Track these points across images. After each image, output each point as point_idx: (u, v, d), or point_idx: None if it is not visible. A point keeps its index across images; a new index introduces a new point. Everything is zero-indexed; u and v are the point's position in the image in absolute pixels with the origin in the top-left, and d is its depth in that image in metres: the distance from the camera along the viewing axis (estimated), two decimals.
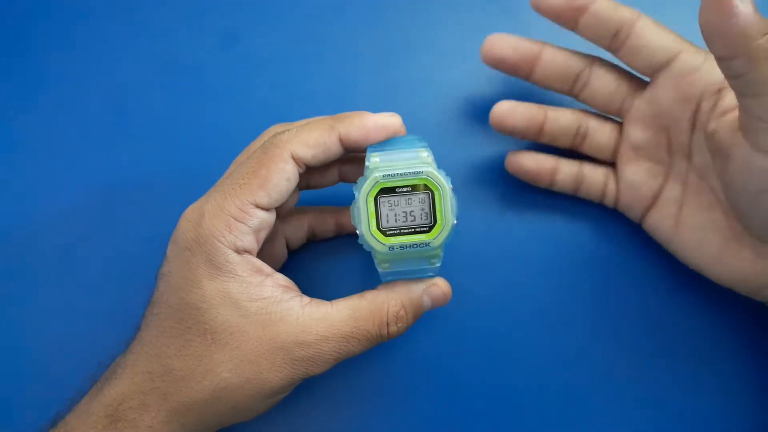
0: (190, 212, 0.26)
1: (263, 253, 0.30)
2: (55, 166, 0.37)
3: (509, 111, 0.32)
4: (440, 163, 0.26)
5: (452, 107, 0.37)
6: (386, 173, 0.25)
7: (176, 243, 0.26)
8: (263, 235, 0.26)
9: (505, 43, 0.32)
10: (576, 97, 0.33)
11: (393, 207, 0.25)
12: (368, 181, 0.25)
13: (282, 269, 0.28)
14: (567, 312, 0.34)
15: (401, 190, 0.25)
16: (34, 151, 0.37)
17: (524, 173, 0.33)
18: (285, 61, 0.38)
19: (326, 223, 0.33)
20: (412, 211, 0.25)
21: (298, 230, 0.32)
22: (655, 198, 0.32)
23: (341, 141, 0.26)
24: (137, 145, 0.37)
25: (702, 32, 0.23)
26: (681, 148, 0.30)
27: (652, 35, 0.29)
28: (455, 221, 0.25)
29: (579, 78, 0.32)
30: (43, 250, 0.35)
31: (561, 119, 0.32)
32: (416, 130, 0.32)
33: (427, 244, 0.25)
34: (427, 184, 0.25)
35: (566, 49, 0.32)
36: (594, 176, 0.33)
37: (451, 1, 0.39)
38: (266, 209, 0.26)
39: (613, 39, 0.30)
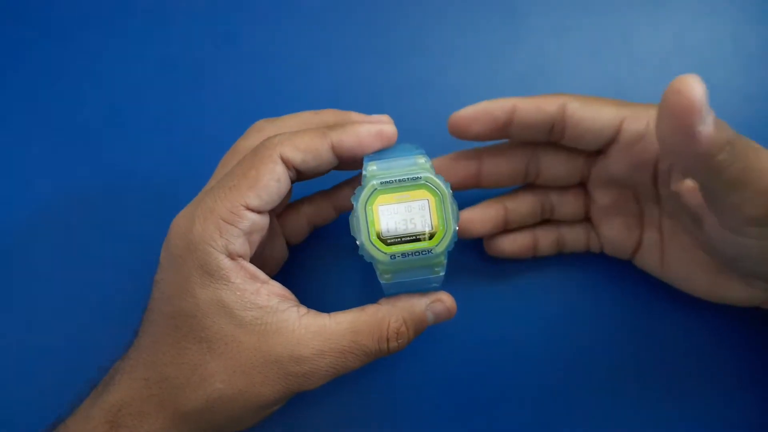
0: (181, 218, 0.26)
1: (263, 257, 0.29)
2: (53, 167, 0.37)
3: (469, 222, 0.31)
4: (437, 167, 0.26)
5: (450, 109, 0.36)
6: (384, 180, 0.25)
7: (168, 250, 0.25)
8: (256, 238, 0.26)
9: (442, 170, 0.31)
10: (532, 183, 0.32)
11: (392, 215, 0.25)
12: (366, 190, 0.25)
13: (280, 276, 0.28)
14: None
15: (400, 197, 0.25)
16: (33, 152, 0.37)
17: (505, 255, 0.33)
18: (284, 62, 0.38)
19: (324, 210, 0.32)
20: (413, 218, 0.25)
21: (297, 225, 0.31)
22: (637, 246, 0.31)
23: (334, 148, 0.26)
24: (137, 146, 0.37)
25: (660, 145, 0.22)
26: (648, 197, 0.30)
27: (588, 118, 0.27)
28: (456, 227, 0.25)
29: (528, 171, 0.31)
30: (42, 251, 0.35)
31: (521, 207, 0.32)
32: (414, 132, 0.32)
33: (429, 251, 0.24)
34: (427, 190, 0.25)
35: (506, 146, 0.31)
36: (574, 237, 0.33)
37: (449, 2, 0.39)
38: (257, 211, 0.25)
39: (550, 134, 0.29)
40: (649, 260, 0.31)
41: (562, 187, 0.32)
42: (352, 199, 0.25)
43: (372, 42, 0.38)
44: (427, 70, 0.37)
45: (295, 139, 0.26)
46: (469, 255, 0.34)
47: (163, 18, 0.39)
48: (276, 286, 0.26)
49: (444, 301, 0.27)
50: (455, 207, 0.25)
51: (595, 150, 0.29)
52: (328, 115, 0.29)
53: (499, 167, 0.31)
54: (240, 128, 0.29)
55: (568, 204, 0.32)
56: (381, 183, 0.24)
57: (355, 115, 0.29)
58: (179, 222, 0.25)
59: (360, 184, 0.31)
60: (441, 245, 0.24)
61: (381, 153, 0.27)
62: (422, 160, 0.25)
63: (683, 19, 0.38)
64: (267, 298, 0.25)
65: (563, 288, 0.34)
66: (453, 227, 0.24)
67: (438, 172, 0.29)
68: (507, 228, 0.32)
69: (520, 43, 0.38)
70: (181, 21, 0.39)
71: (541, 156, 0.31)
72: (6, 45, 0.39)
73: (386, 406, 0.33)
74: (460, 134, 0.29)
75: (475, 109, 0.29)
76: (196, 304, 0.24)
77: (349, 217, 0.25)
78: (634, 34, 0.38)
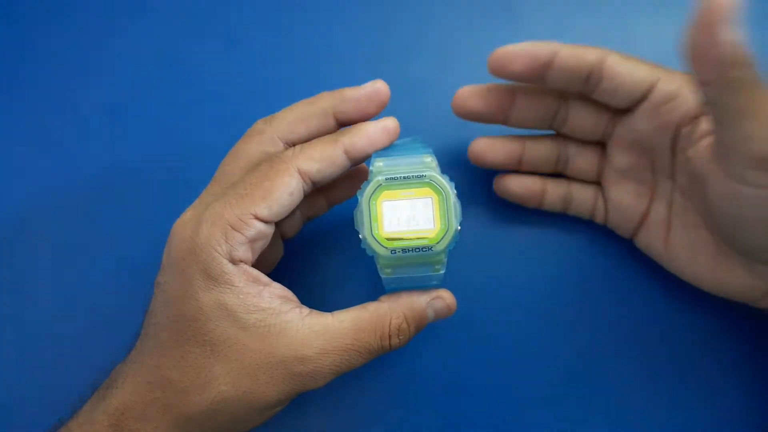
0: (186, 221, 0.25)
1: (260, 257, 0.29)
2: (54, 167, 0.36)
3: (487, 147, 0.32)
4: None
5: (450, 109, 0.36)
6: (389, 176, 0.25)
7: (170, 252, 0.25)
8: (260, 246, 0.26)
9: (474, 98, 0.31)
10: (556, 131, 0.32)
11: (396, 211, 0.25)
12: (371, 185, 0.25)
13: (280, 277, 0.28)
14: (564, 321, 0.34)
15: (404, 194, 0.25)
16: (34, 152, 0.37)
17: (512, 197, 0.33)
18: (284, 61, 0.38)
19: (317, 204, 0.32)
20: (415, 215, 0.25)
21: (291, 220, 0.31)
22: (643, 218, 0.31)
23: (347, 153, 0.26)
24: (137, 146, 0.36)
25: (686, 53, 0.22)
26: (664, 169, 0.30)
27: (625, 72, 0.28)
28: (459, 227, 0.25)
29: (556, 117, 0.31)
30: (43, 251, 0.35)
31: (540, 150, 0.32)
32: (413, 132, 0.31)
33: (430, 249, 0.25)
34: (431, 189, 0.25)
35: (540, 89, 0.31)
36: (583, 195, 0.33)
37: (450, 2, 0.38)
38: (266, 221, 0.25)
39: (585, 84, 0.29)
40: (653, 237, 0.31)
41: (583, 142, 0.32)
42: (357, 193, 0.25)
43: (372, 42, 0.38)
44: (427, 70, 0.37)
45: (310, 150, 0.26)
46: (462, 247, 0.34)
47: (163, 16, 0.39)
48: (278, 288, 0.26)
49: (444, 298, 0.28)
50: (458, 207, 0.25)
51: (625, 107, 0.29)
52: (324, 99, 0.28)
53: (530, 106, 0.31)
54: (238, 128, 0.29)
55: (584, 159, 0.32)
56: (386, 179, 0.25)
57: (348, 91, 0.28)
58: (183, 225, 0.25)
59: (355, 177, 0.32)
60: (441, 243, 0.25)
61: (388, 150, 0.27)
62: (429, 159, 0.26)
63: (683, 19, 0.38)
64: (269, 301, 0.25)
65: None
66: (455, 226, 0.25)
67: (471, 100, 0.30)
68: (520, 168, 0.32)
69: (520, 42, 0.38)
70: (181, 20, 0.39)
71: (571, 104, 0.31)
72: (8, 43, 0.38)
73: (384, 406, 0.33)
74: (500, 70, 0.29)
75: (518, 47, 0.28)
76: (199, 307, 0.24)
77: (354, 211, 0.25)
78: (634, 34, 0.38)
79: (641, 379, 0.33)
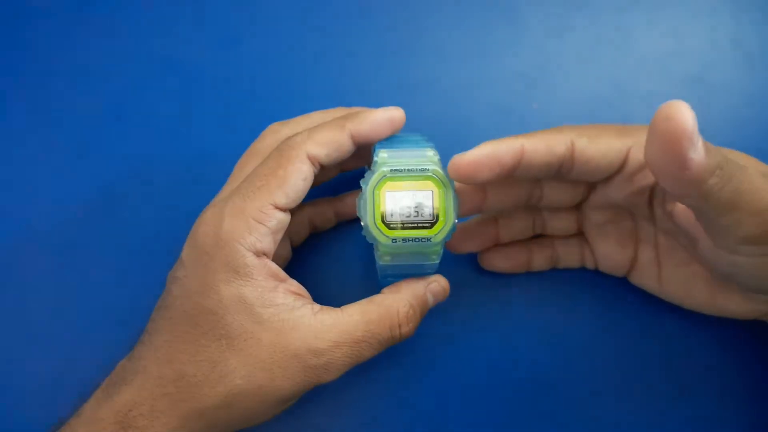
0: (209, 215, 0.26)
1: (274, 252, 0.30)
2: (55, 167, 0.36)
3: (460, 238, 0.32)
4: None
5: (452, 108, 0.37)
6: (394, 168, 0.26)
7: (194, 246, 0.26)
8: (279, 236, 0.27)
9: None
10: (534, 206, 0.32)
11: (398, 201, 0.26)
12: (376, 175, 0.26)
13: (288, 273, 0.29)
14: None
15: (407, 185, 0.26)
16: (34, 152, 0.37)
17: (499, 270, 0.33)
18: (286, 61, 0.38)
19: (325, 215, 0.33)
20: (416, 206, 0.26)
21: (299, 226, 0.32)
22: (632, 263, 0.32)
23: (352, 138, 0.27)
24: (138, 146, 0.37)
25: (650, 168, 0.22)
26: (643, 216, 0.30)
27: (597, 156, 0.26)
28: (456, 220, 0.26)
29: (531, 198, 0.31)
30: (45, 251, 0.35)
31: (514, 225, 0.32)
32: (417, 130, 0.32)
33: (428, 239, 0.26)
34: (433, 182, 0.26)
35: (510, 182, 0.30)
36: (569, 251, 0.33)
37: (450, 2, 0.39)
38: (284, 210, 0.26)
39: (557, 174, 0.27)
40: (646, 278, 0.32)
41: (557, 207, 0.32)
42: (361, 182, 0.26)
43: (373, 43, 0.38)
44: (428, 70, 0.37)
45: (317, 135, 0.26)
46: (465, 266, 0.35)
47: (173, 19, 0.39)
48: (293, 285, 0.27)
49: (439, 281, 0.29)
50: (457, 201, 0.26)
51: (599, 181, 0.29)
52: (339, 114, 0.29)
53: (504, 197, 0.30)
54: (244, 127, 0.29)
55: (560, 221, 0.32)
56: (391, 170, 0.26)
57: (364, 111, 0.29)
58: (206, 220, 0.26)
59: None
60: (440, 235, 0.26)
61: (392, 142, 0.28)
62: (431, 152, 0.27)
63: (683, 19, 0.38)
64: (284, 296, 0.26)
65: (560, 297, 0.34)
66: (453, 219, 0.26)
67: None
68: (499, 242, 0.33)
69: (520, 42, 0.38)
70: (186, 21, 0.39)
71: (545, 185, 0.30)
72: (7, 44, 0.38)
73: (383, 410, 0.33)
74: (465, 181, 0.27)
75: (480, 154, 0.26)
76: (219, 300, 0.24)
77: (357, 199, 0.26)
78: (634, 34, 0.38)
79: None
